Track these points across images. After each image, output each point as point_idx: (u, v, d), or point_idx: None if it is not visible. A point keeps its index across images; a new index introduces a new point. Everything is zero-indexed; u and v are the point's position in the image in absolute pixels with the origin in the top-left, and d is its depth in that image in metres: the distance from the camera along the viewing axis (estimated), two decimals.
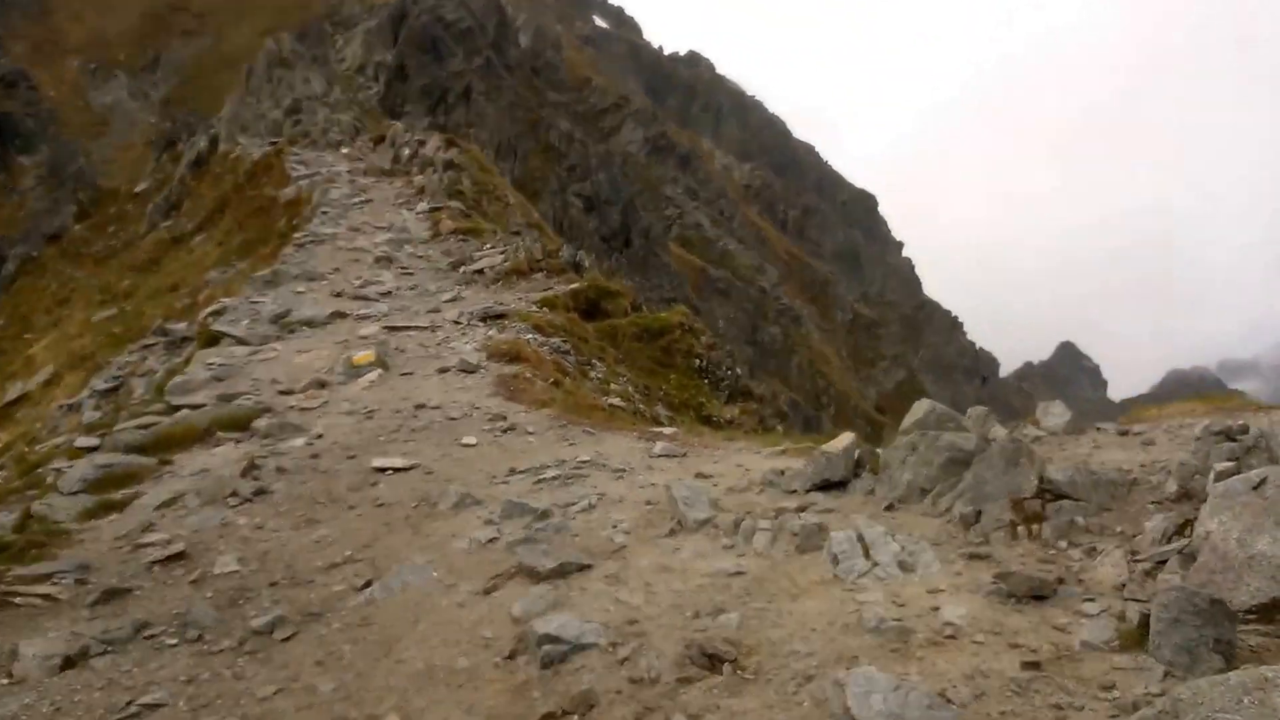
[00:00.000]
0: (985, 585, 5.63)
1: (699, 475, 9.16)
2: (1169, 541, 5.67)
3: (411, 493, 9.33)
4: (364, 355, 14.84)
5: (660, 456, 10.08)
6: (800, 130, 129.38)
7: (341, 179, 31.73)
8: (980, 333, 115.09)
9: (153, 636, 6.68)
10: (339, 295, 19.78)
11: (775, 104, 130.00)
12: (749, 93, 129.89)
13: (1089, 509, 6.21)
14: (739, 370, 18.51)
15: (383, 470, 10.07)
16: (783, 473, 8.43)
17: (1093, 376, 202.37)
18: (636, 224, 69.89)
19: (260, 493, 9.60)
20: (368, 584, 7.24)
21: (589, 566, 6.87)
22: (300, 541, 8.33)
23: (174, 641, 6.59)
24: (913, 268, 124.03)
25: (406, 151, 32.34)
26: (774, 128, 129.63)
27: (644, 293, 67.67)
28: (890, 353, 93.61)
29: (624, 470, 9.47)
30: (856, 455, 8.11)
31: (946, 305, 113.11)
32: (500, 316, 16.90)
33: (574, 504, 8.39)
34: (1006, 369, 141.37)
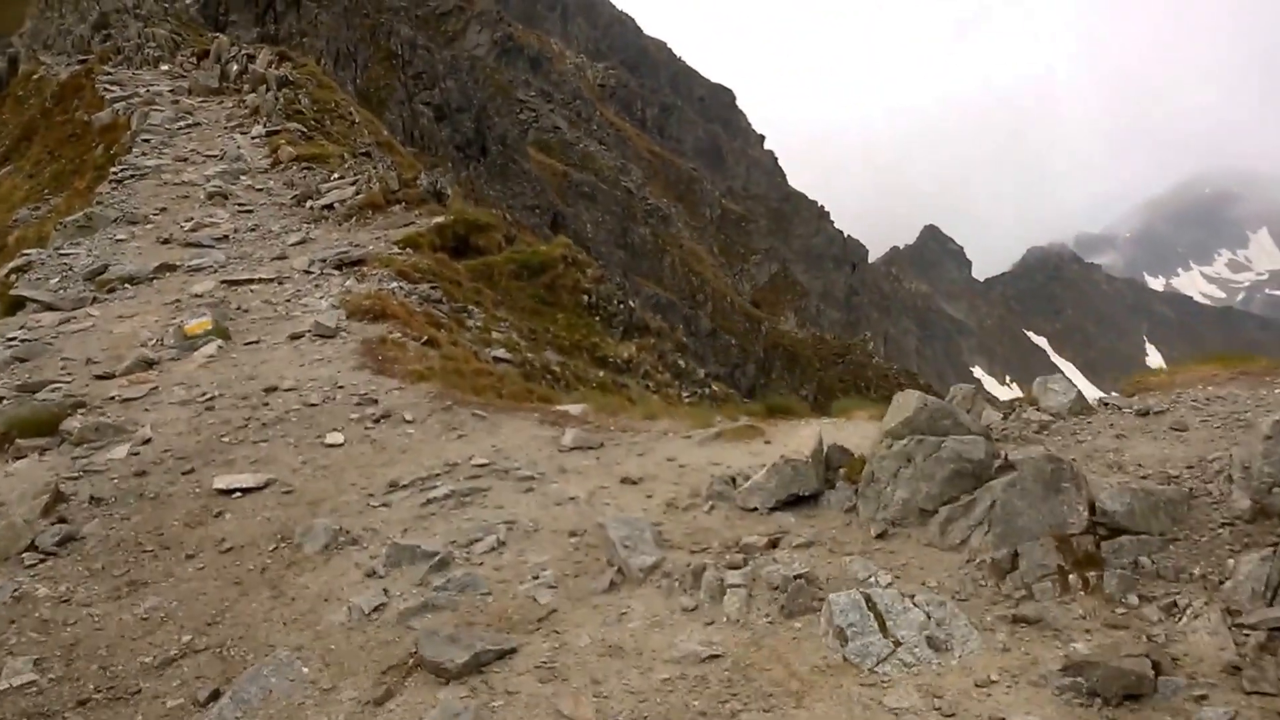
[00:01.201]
0: (1051, 674, 4.27)
1: (625, 480, 7.56)
2: (1276, 594, 4.42)
3: (267, 527, 7.42)
4: (199, 323, 12.50)
5: (572, 451, 8.41)
6: (651, 27, 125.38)
7: (163, 100, 27.96)
8: (846, 221, 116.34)
9: None
10: (166, 242, 17.04)
11: (623, 1, 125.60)
12: None
13: (1152, 544, 4.90)
14: (632, 303, 16.85)
15: (229, 493, 8.07)
16: (733, 480, 6.90)
17: (957, 258, 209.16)
18: (492, 131, 66.46)
19: (67, 540, 7.48)
20: (214, 695, 5.41)
21: (512, 652, 5.22)
22: (121, 620, 6.36)
23: None
24: (775, 160, 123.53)
25: (235, 67, 28.66)
26: (624, 25, 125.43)
27: (507, 201, 64.89)
28: (761, 246, 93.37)
29: (532, 478, 7.76)
30: (826, 456, 6.65)
31: (812, 196, 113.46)
32: (358, 263, 14.67)
33: (477, 540, 6.67)
34: (874, 255, 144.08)
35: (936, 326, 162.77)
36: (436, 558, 6.40)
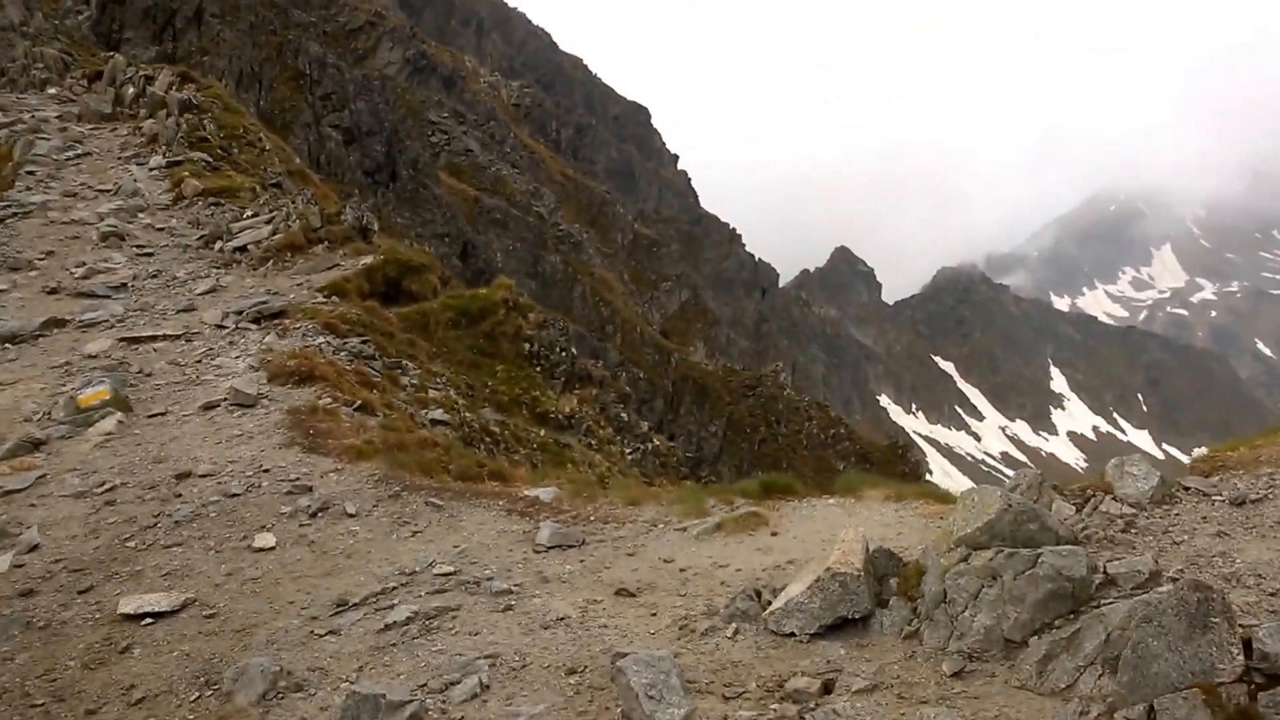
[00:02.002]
0: None
1: (620, 591, 6.47)
2: None
3: (186, 666, 6.10)
4: (94, 392, 10.97)
5: (550, 551, 7.27)
6: (566, 43, 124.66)
7: (50, 127, 25.79)
8: (757, 244, 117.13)
9: None
10: (54, 292, 15.28)
11: (539, 15, 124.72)
12: (510, 3, 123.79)
13: None
14: (574, 350, 15.75)
15: (138, 618, 6.71)
16: (757, 594, 5.87)
17: (867, 280, 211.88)
18: (402, 155, 64.69)
19: None
20: None
21: None
22: None
23: None
24: (688, 180, 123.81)
25: (131, 90, 26.64)
26: (539, 40, 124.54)
27: (416, 229, 63.13)
28: (672, 272, 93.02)
29: (508, 591, 6.60)
30: (870, 561, 5.67)
31: (724, 218, 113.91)
32: (279, 315, 13.24)
33: (454, 683, 5.49)
34: (785, 278, 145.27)
35: (845, 353, 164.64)
36: (406, 711, 5.21)
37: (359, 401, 10.99)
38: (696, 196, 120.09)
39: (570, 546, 7.31)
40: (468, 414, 12.82)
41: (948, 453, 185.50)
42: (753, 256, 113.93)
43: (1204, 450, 6.93)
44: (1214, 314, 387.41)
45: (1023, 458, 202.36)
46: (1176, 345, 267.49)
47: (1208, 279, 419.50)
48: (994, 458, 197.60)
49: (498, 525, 7.84)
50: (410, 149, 67.94)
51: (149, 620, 6.66)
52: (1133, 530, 5.57)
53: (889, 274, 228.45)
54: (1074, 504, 6.10)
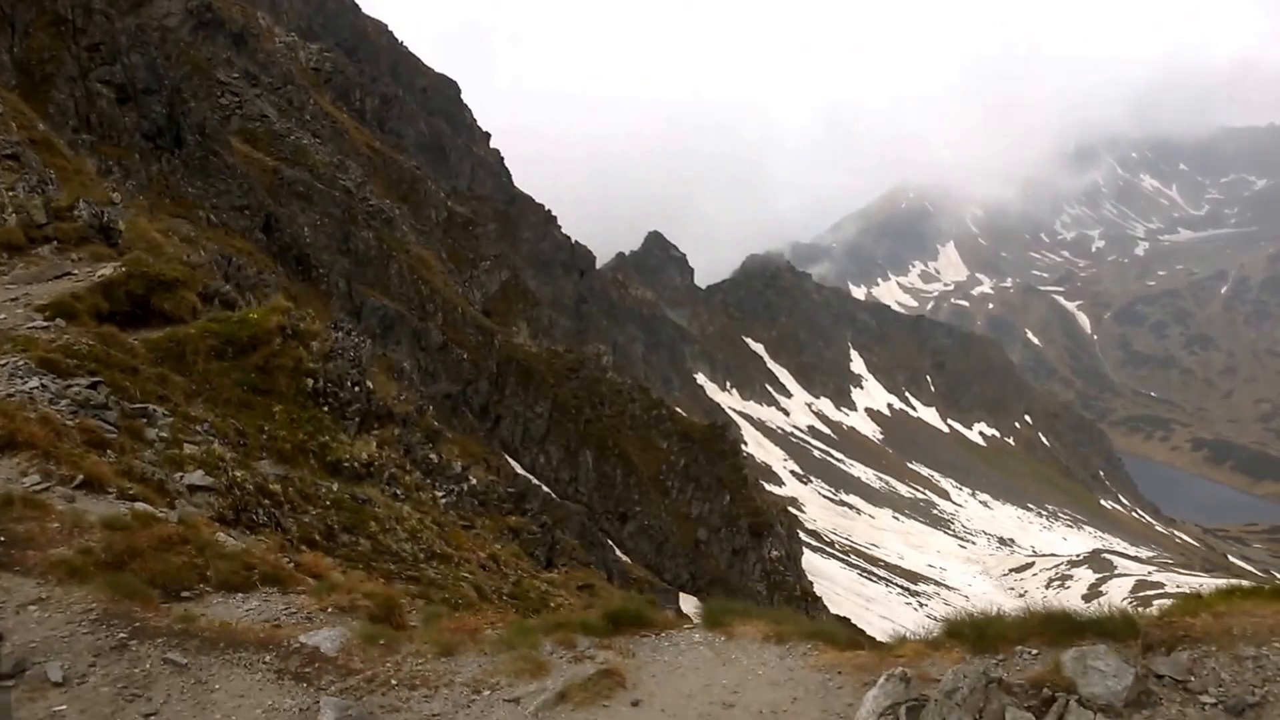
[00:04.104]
0: None
1: None
2: None
3: None
4: None
5: None
6: (370, 5, 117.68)
7: None
8: (573, 226, 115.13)
9: None
10: None
11: None
12: None
13: None
14: (369, 384, 13.32)
15: None
16: None
17: (680, 264, 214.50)
18: (187, 118, 58.58)
19: None
20: None
21: None
22: None
23: None
24: (501, 160, 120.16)
25: None
26: (340, 2, 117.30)
27: (211, 200, 57.56)
28: (490, 252, 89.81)
29: None
30: None
31: (539, 199, 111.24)
32: None
33: None
34: (601, 260, 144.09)
35: (662, 333, 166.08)
36: None
37: (80, 477, 8.34)
38: (510, 175, 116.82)
39: None
40: (238, 472, 10.31)
41: (760, 426, 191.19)
42: (569, 238, 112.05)
43: (1156, 612, 5.58)
44: (991, 306, 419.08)
45: (827, 430, 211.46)
46: (959, 333, 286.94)
47: (985, 274, 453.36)
48: (802, 431, 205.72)
49: (264, 697, 5.59)
50: (196, 111, 61.70)
51: None
52: None
53: (700, 258, 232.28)
54: (1029, 708, 4.53)
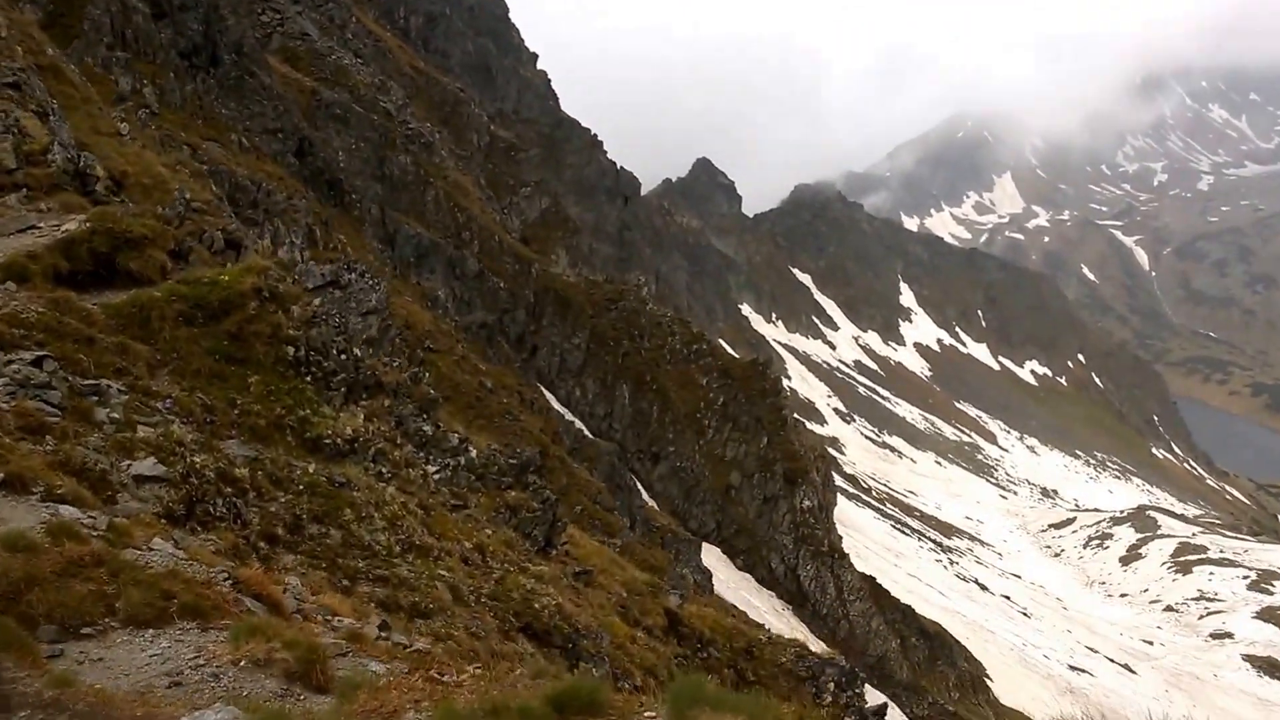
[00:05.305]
0: None
1: None
2: None
3: None
4: None
5: None
6: None
7: None
8: (619, 152, 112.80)
9: None
10: None
11: None
12: None
13: None
14: (357, 351, 12.32)
15: None
16: None
17: (728, 192, 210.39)
18: (224, 35, 57.42)
19: None
20: None
21: None
22: None
23: None
24: (549, 82, 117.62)
25: None
26: None
27: (244, 123, 56.65)
28: (531, 178, 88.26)
29: None
30: None
31: (585, 123, 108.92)
32: None
33: None
34: (647, 187, 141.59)
35: (707, 262, 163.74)
36: None
37: (0, 475, 7.48)
38: (557, 99, 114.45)
39: None
40: (198, 458, 9.40)
41: (805, 360, 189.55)
42: (615, 164, 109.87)
43: None
44: (1046, 240, 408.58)
45: (874, 366, 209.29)
46: (1013, 267, 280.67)
47: (1042, 207, 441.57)
48: (848, 365, 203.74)
49: None
50: (234, 29, 60.47)
51: None
52: None
53: (749, 187, 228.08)
54: None
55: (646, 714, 5.43)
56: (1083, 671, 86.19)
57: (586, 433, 62.69)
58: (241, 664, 5.93)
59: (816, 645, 55.72)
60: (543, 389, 65.46)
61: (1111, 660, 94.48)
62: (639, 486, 61.41)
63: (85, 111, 21.50)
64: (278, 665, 5.92)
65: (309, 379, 11.48)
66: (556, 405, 64.05)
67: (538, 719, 5.19)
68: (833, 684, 17.55)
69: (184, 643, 6.19)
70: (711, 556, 58.77)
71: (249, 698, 5.50)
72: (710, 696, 5.29)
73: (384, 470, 11.65)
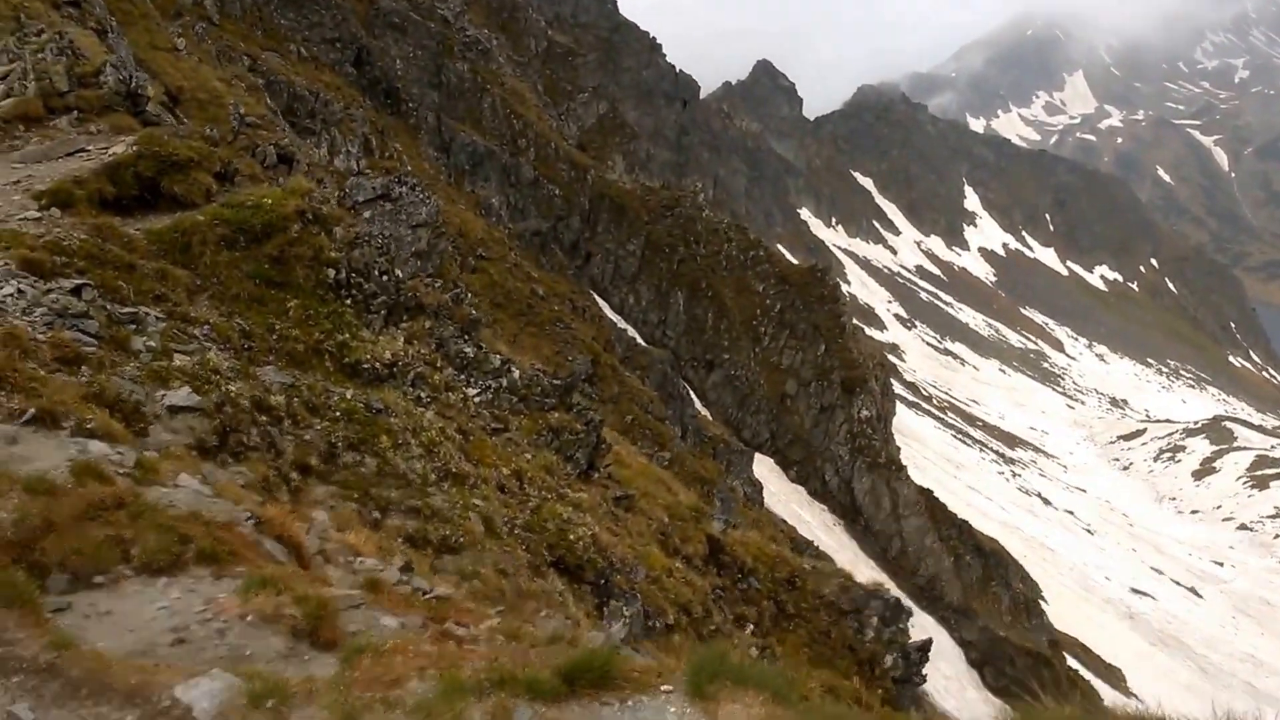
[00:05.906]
0: None
1: None
2: None
3: None
4: None
5: None
6: None
7: None
8: (678, 54, 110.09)
9: None
10: None
11: None
12: None
13: None
14: (399, 273, 12.32)
15: None
16: None
17: (789, 95, 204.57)
18: None
19: None
20: None
21: None
22: None
23: None
24: None
25: None
26: None
27: (302, 33, 56.26)
28: (589, 84, 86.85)
29: None
30: None
31: (643, 26, 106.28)
32: None
33: None
34: (706, 90, 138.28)
35: (765, 166, 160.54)
36: None
37: (31, 410, 7.63)
38: (615, 1, 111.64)
39: None
40: (233, 386, 9.54)
41: (865, 265, 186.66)
42: (673, 67, 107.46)
43: None
44: (1119, 140, 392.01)
45: (937, 271, 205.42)
46: (1083, 169, 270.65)
47: (1115, 106, 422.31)
48: (909, 271, 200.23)
49: None
50: None
51: None
52: None
53: (810, 89, 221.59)
54: None
55: (663, 688, 5.34)
56: (1145, 595, 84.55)
57: (640, 340, 62.74)
58: (249, 619, 5.90)
59: (865, 564, 55.33)
60: (596, 296, 65.50)
61: (1177, 583, 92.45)
62: (692, 395, 61.57)
63: (143, 27, 21.48)
64: (285, 622, 5.90)
65: (349, 302, 11.54)
66: (609, 313, 64.06)
67: (546, 691, 5.15)
68: (876, 618, 17.55)
69: (195, 593, 6.13)
70: (763, 468, 58.91)
71: (252, 657, 5.51)
72: (732, 669, 5.19)
73: (423, 394, 11.74)
